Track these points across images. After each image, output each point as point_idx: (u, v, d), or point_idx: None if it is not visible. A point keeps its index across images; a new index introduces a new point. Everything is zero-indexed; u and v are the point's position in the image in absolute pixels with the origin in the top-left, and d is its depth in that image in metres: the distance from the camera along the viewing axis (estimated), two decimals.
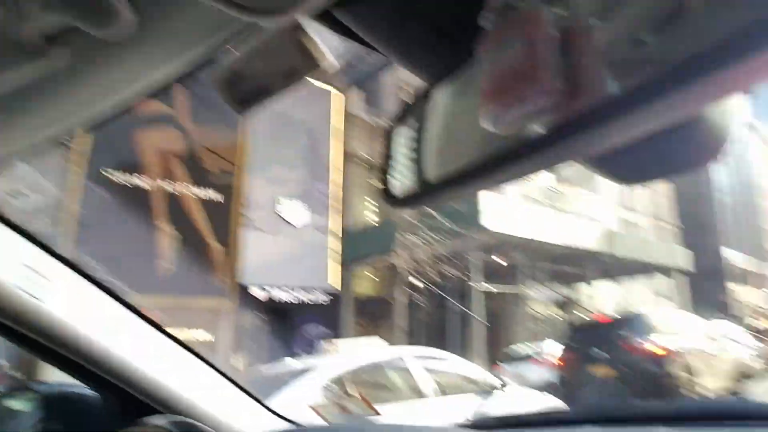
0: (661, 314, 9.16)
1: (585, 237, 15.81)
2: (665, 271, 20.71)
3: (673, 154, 0.44)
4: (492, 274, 14.14)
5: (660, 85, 0.34)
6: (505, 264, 14.20)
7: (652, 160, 0.45)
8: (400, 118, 0.58)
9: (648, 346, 7.80)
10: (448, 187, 0.50)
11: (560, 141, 0.40)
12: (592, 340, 8.60)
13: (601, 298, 19.44)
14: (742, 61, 0.31)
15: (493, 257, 13.80)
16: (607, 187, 25.58)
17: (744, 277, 41.54)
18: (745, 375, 9.38)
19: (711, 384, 8.27)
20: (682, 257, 21.47)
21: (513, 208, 13.67)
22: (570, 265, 16.35)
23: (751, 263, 41.84)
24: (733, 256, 39.53)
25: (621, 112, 0.36)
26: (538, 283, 15.55)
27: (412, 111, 0.57)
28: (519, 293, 15.43)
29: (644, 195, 31.04)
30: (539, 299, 16.11)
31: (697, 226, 40.84)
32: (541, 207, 15.52)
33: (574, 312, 17.03)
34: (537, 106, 0.39)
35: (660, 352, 7.72)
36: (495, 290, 14.56)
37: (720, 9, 0.34)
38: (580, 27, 0.39)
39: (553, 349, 10.40)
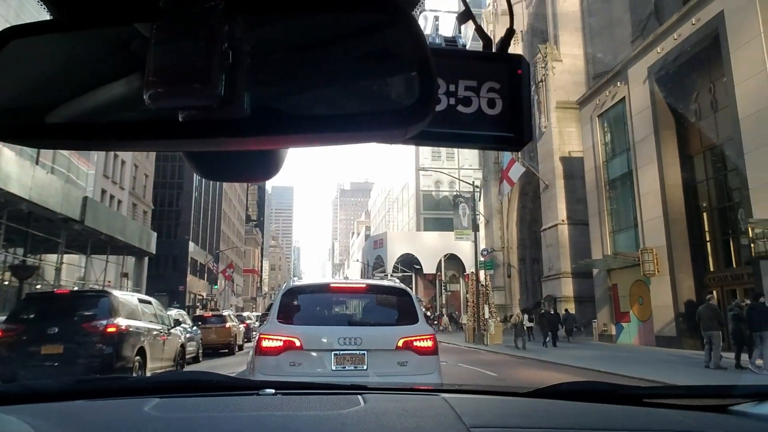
0: (123, 295, 9.17)
1: (61, 199, 14.49)
2: (133, 250, 21.06)
3: (246, 168, 0.61)
4: None
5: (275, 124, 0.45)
6: None
7: (232, 167, 0.61)
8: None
9: (104, 325, 7.64)
10: (64, 134, 0.49)
11: (190, 135, 0.45)
12: (45, 314, 7.87)
13: (67, 270, 18.05)
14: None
15: None
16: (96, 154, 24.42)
17: (199, 268, 46.47)
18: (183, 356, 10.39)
19: (156, 365, 8.77)
20: (149, 240, 22.35)
21: None
22: (39, 230, 14.59)
23: (203, 256, 47.28)
24: (193, 248, 43.68)
25: (243, 131, 0.45)
26: None
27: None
28: None
29: (128, 171, 31.10)
30: None
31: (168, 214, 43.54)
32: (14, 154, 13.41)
33: (34, 282, 15.25)
34: (198, 103, 0.42)
35: (114, 332, 7.67)
36: None
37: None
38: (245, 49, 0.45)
39: None
